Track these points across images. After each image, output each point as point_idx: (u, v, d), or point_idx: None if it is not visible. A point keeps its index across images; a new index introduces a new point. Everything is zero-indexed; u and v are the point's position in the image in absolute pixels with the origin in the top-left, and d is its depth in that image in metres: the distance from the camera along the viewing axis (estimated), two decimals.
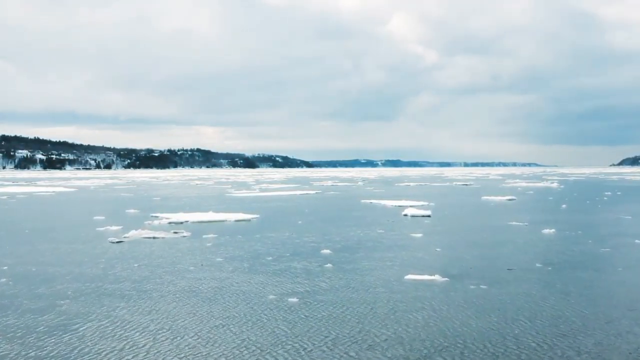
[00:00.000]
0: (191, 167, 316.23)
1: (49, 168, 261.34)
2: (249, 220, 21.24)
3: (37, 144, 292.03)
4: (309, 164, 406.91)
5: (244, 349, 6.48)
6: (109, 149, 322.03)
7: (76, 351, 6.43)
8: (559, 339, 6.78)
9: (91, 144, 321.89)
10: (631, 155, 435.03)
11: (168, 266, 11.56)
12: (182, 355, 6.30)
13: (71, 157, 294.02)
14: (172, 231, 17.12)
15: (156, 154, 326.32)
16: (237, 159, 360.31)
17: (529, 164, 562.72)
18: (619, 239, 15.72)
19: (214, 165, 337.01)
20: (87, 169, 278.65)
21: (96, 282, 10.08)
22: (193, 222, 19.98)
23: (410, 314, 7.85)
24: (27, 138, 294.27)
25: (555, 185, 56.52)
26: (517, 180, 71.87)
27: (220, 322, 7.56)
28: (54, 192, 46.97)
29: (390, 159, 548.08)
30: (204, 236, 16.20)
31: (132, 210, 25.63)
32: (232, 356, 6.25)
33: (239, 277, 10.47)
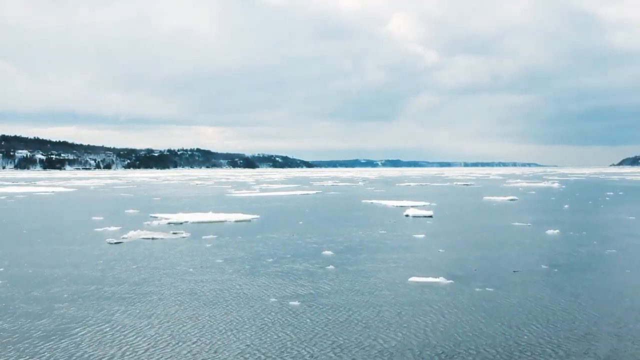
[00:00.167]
0: (191, 167, 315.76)
1: (48, 168, 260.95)
2: (249, 220, 21.02)
3: (37, 144, 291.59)
4: (309, 164, 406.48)
5: (247, 355, 6.25)
6: (108, 149, 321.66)
7: (73, 358, 6.20)
8: (574, 344, 6.55)
9: (91, 144, 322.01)
10: (631, 155, 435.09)
11: (167, 268, 11.34)
12: None
13: (71, 157, 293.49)
14: (172, 232, 16.89)
15: (156, 154, 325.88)
16: (237, 159, 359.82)
17: (529, 164, 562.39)
18: (624, 240, 15.52)
19: (214, 165, 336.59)
20: (87, 169, 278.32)
21: (94, 284, 9.86)
22: (193, 223, 19.76)
23: (417, 318, 7.63)
24: (27, 138, 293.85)
25: (556, 185, 56.35)
26: (518, 180, 71.72)
27: (222, 326, 7.33)
28: (53, 192, 46.75)
29: (390, 159, 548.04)
30: (204, 237, 15.97)
31: (131, 211, 25.41)
32: None
33: (239, 279, 10.25)
